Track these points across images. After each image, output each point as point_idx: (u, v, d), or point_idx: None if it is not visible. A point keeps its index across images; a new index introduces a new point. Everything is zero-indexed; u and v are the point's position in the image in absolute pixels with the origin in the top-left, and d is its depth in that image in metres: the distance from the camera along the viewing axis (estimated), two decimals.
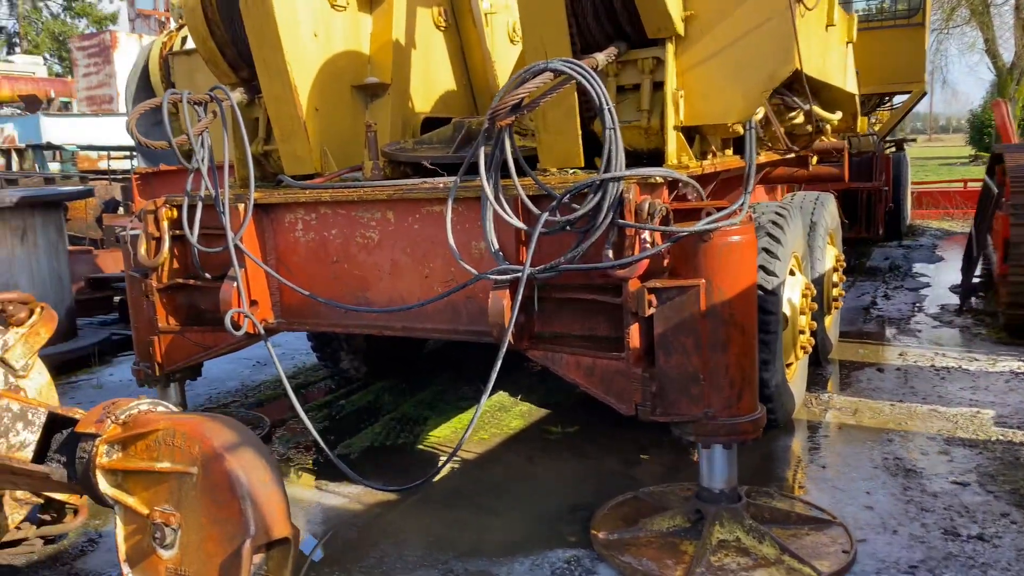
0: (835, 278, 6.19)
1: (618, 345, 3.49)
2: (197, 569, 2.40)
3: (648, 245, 3.36)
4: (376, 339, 5.81)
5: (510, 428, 5.02)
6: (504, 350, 3.50)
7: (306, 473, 4.50)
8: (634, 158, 3.83)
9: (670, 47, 3.83)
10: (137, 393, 5.46)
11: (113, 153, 19.45)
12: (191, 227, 4.31)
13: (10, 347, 3.39)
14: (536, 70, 3.29)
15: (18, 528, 3.53)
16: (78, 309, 7.77)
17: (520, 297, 3.46)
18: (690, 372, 3.30)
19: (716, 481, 3.47)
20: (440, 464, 4.03)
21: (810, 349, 5.10)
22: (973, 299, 8.00)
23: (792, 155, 5.77)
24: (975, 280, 8.14)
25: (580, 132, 3.96)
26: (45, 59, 42.79)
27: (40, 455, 2.67)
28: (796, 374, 5.04)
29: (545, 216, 3.41)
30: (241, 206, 4.22)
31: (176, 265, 4.59)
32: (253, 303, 4.30)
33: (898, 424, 4.83)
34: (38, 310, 3.52)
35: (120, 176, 15.92)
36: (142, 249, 4.47)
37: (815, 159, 6.20)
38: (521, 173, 3.49)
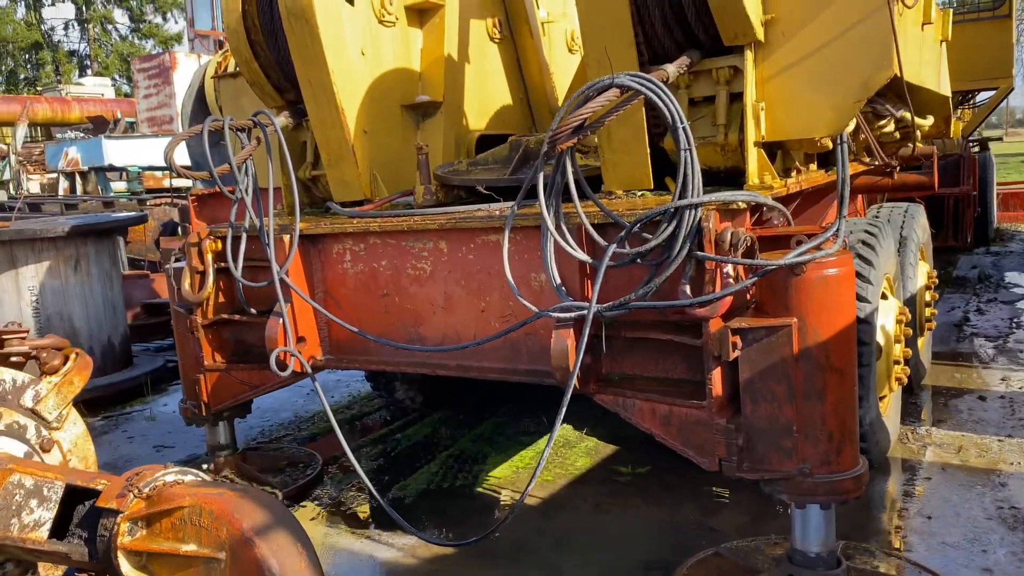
0: (927, 297, 5.68)
1: (697, 390, 3.12)
2: None
3: (731, 279, 2.99)
4: None
5: (575, 468, 4.67)
6: (569, 397, 3.15)
7: (358, 519, 4.22)
8: (709, 177, 3.44)
9: (749, 55, 3.44)
10: (188, 429, 5.29)
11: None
12: (235, 260, 4.09)
13: (43, 397, 3.17)
14: (601, 86, 2.94)
15: None
16: (134, 335, 7.69)
17: (586, 337, 3.11)
18: (782, 423, 2.90)
19: (812, 544, 3.06)
20: (502, 519, 3.65)
21: (905, 380, 4.63)
22: None
23: (877, 164, 5.30)
24: None
25: (648, 151, 3.60)
26: (114, 80, 44.13)
27: (61, 527, 2.44)
28: (890, 407, 4.57)
29: (613, 248, 3.06)
30: (287, 237, 3.97)
31: (222, 299, 4.37)
32: (300, 339, 4.05)
33: (1010, 464, 4.32)
34: (73, 356, 3.30)
35: (184, 194, 16.09)
36: (186, 283, 4.27)
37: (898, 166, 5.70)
38: (584, 198, 3.15)
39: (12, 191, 19.49)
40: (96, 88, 34.62)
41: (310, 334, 4.13)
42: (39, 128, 31.06)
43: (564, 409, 3.15)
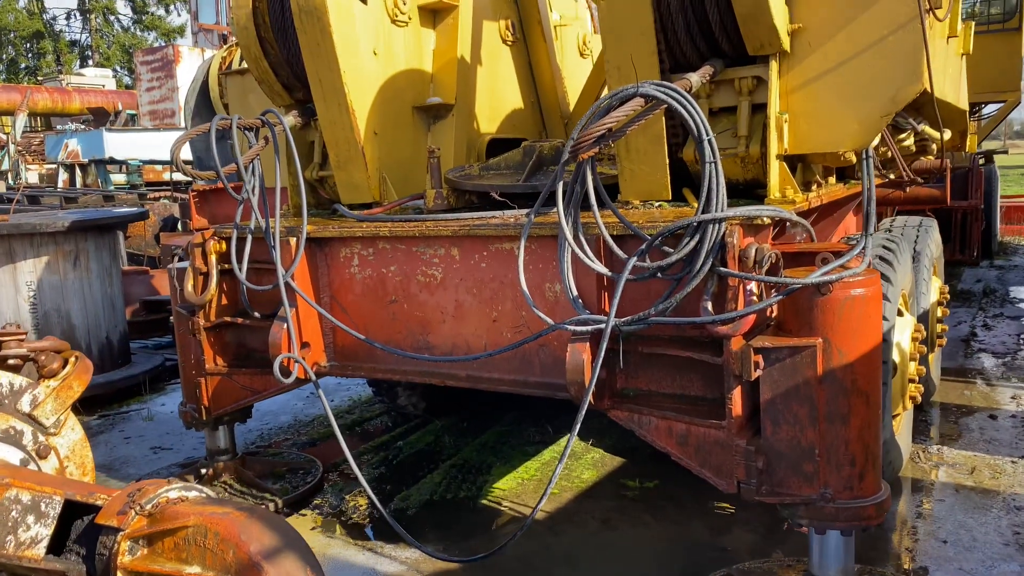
0: (939, 312, 5.60)
1: (715, 409, 3.03)
2: None
3: (754, 297, 2.90)
4: None
5: (582, 481, 4.57)
6: (583, 412, 3.06)
7: (360, 530, 4.12)
8: (728, 190, 3.36)
9: (773, 65, 3.36)
10: (186, 430, 5.19)
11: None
12: (239, 262, 3.99)
13: (40, 402, 3.07)
14: (625, 95, 2.85)
15: None
16: (133, 331, 7.58)
17: (603, 352, 3.02)
18: (803, 447, 2.82)
19: (830, 570, 2.97)
20: (510, 537, 3.51)
21: (919, 399, 4.53)
22: None
23: (892, 177, 5.23)
24: None
25: (668, 161, 3.51)
26: (115, 71, 43.96)
27: (59, 543, 2.34)
28: (903, 425, 4.48)
29: (633, 261, 2.97)
30: (293, 240, 3.88)
31: (225, 302, 4.28)
32: (305, 345, 3.95)
33: None
34: (72, 360, 3.21)
35: (184, 187, 15.96)
36: (188, 285, 4.17)
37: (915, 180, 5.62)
38: (603, 208, 3.06)
39: (11, 181, 19.31)
40: (97, 79, 34.46)
41: (315, 340, 4.03)
42: (39, 118, 30.89)
43: (578, 426, 3.06)
